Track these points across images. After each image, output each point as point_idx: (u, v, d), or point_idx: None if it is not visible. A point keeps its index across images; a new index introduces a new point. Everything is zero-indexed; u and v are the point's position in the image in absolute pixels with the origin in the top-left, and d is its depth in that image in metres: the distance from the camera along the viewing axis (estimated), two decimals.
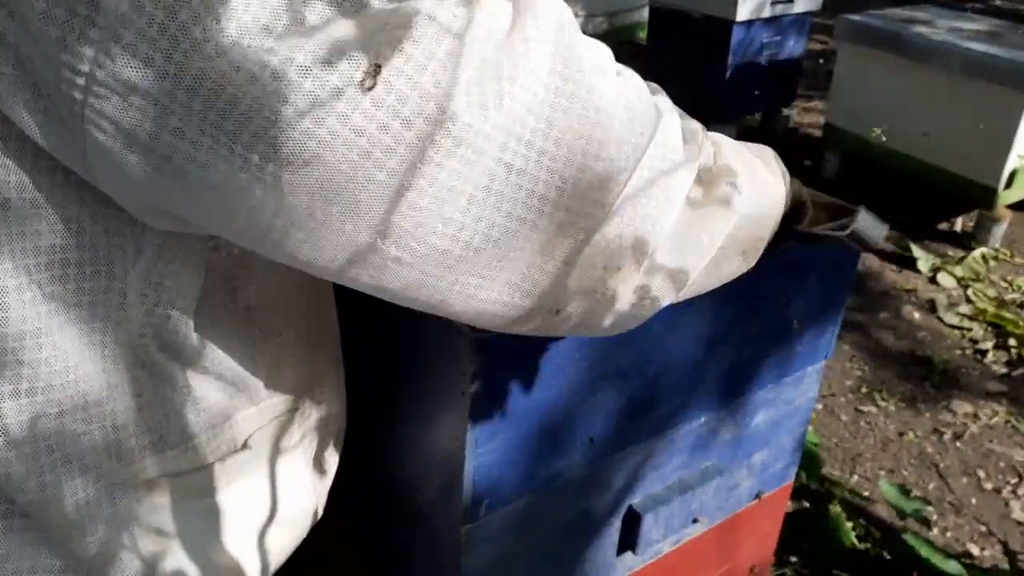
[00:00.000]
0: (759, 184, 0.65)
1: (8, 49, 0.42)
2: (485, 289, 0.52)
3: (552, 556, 0.85)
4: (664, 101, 0.58)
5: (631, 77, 0.55)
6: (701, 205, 0.59)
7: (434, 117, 0.44)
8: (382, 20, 0.43)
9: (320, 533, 0.76)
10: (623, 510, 0.88)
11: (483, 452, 0.70)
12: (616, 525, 0.89)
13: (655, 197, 0.55)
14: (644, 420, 0.82)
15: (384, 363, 0.80)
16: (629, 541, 0.90)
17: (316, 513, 0.74)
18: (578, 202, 0.51)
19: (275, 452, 0.66)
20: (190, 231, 0.51)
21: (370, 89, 0.42)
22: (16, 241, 0.49)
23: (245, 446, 0.63)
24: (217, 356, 0.59)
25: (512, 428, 0.71)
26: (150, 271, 0.52)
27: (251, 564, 0.66)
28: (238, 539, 0.65)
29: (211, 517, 0.62)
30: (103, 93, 0.42)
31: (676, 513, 0.90)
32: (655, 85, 0.60)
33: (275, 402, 0.65)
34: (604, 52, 0.53)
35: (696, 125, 0.61)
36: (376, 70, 0.42)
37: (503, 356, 0.67)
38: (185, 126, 0.42)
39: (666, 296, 0.60)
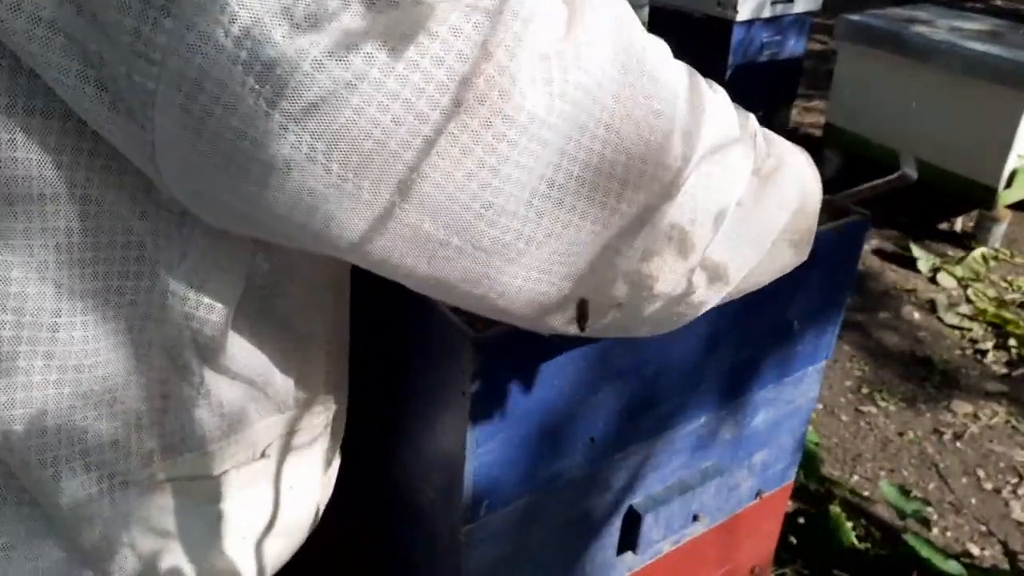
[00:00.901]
0: (804, 175, 0.66)
1: (76, 44, 0.43)
2: (542, 287, 0.52)
3: (552, 556, 0.85)
4: (722, 95, 0.58)
5: (692, 73, 0.56)
6: (755, 199, 0.60)
7: (492, 102, 0.44)
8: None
9: (320, 534, 0.76)
10: (623, 510, 0.88)
11: (483, 452, 0.70)
12: (616, 525, 0.89)
13: (712, 193, 0.55)
14: (644, 420, 0.82)
15: (384, 363, 0.80)
16: (629, 541, 0.90)
17: (317, 517, 0.74)
18: (633, 216, 0.51)
19: (293, 463, 0.66)
20: (246, 231, 0.51)
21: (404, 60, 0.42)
22: (51, 236, 0.49)
23: (264, 455, 0.63)
24: (249, 363, 0.59)
25: (512, 428, 0.71)
26: (193, 274, 0.53)
27: (250, 569, 0.66)
28: (241, 544, 0.65)
29: (218, 522, 0.62)
30: (175, 81, 0.42)
31: (676, 513, 0.90)
32: (711, 80, 0.60)
33: (300, 412, 0.65)
34: (662, 46, 0.54)
35: (752, 121, 0.61)
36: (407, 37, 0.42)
37: (504, 356, 0.67)
38: (254, 113, 0.42)
39: (718, 292, 0.60)
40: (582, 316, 0.55)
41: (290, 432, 0.65)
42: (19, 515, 0.55)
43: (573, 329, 0.58)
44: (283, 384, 0.62)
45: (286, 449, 0.66)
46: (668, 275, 0.56)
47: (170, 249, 0.52)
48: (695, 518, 0.93)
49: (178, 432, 0.57)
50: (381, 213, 0.46)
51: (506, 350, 0.66)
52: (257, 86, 0.41)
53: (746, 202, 0.59)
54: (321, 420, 0.68)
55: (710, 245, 0.57)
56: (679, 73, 0.54)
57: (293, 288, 0.60)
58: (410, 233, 0.47)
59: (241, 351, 0.58)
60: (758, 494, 1.05)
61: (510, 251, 0.49)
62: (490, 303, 0.53)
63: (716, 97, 0.57)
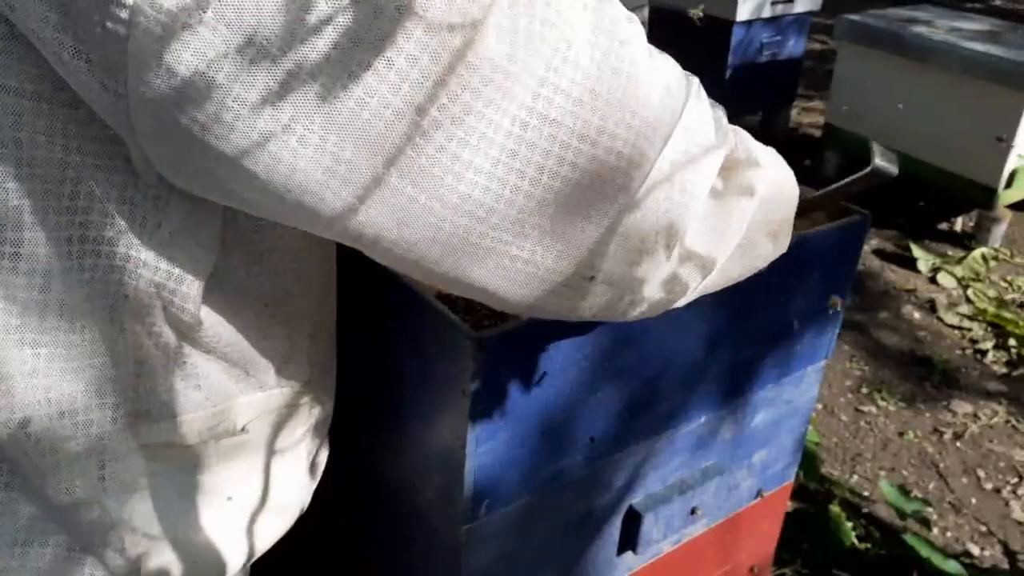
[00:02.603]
0: (776, 167, 0.65)
1: None
2: (513, 251, 0.51)
3: (552, 556, 0.85)
4: (695, 82, 0.58)
5: (661, 54, 0.55)
6: (724, 193, 0.60)
7: (460, 51, 0.44)
8: None
9: (319, 533, 0.76)
10: (623, 510, 0.88)
11: (483, 451, 0.70)
12: (616, 525, 0.89)
13: (685, 181, 0.55)
14: (645, 420, 0.82)
15: (384, 361, 0.80)
16: (629, 541, 0.90)
17: (303, 508, 0.74)
18: (607, 174, 0.51)
19: (276, 442, 0.67)
20: (221, 198, 0.51)
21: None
22: (26, 198, 0.49)
23: (244, 430, 0.63)
24: (227, 338, 0.59)
25: (513, 427, 0.71)
26: (165, 246, 0.53)
27: (235, 548, 0.66)
28: (224, 521, 0.65)
29: (198, 494, 0.63)
30: (147, 26, 0.42)
31: (676, 513, 0.90)
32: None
33: (283, 392, 0.66)
34: (636, 23, 0.53)
35: (720, 110, 0.61)
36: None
37: (504, 355, 0.67)
38: (229, 64, 0.42)
39: (694, 282, 0.60)
40: None
41: (274, 413, 0.66)
42: (23, 506, 0.56)
43: (561, 314, 0.57)
44: (264, 362, 0.63)
45: (270, 430, 0.66)
46: (654, 269, 0.56)
47: (144, 220, 0.52)
48: (693, 511, 0.93)
49: (152, 399, 0.58)
50: (364, 181, 0.46)
51: (506, 349, 0.66)
52: (228, 34, 0.42)
53: (718, 191, 0.59)
54: (305, 401, 0.69)
55: (685, 236, 0.57)
56: (653, 51, 0.54)
57: (277, 267, 0.60)
58: (387, 194, 0.47)
59: (219, 326, 0.58)
60: (758, 494, 1.05)
61: (480, 209, 0.49)
62: (467, 277, 0.52)
63: (690, 79, 0.57)
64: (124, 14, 0.41)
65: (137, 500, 0.60)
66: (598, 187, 0.51)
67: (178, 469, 0.61)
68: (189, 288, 0.55)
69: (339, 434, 0.78)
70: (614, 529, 0.89)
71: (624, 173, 0.51)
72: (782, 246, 0.68)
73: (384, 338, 0.78)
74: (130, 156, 0.50)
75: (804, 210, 0.75)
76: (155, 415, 0.58)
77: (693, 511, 0.92)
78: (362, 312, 0.77)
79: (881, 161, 0.75)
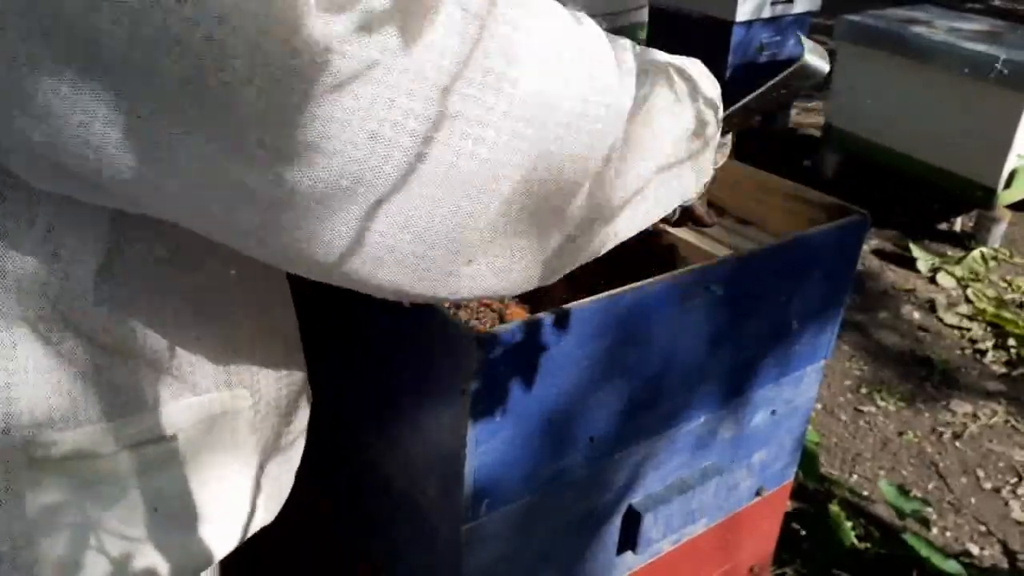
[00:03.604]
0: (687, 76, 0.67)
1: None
2: (476, 266, 0.55)
3: (552, 555, 0.85)
4: (584, 25, 0.57)
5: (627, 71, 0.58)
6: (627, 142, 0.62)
7: (438, 102, 0.46)
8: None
9: (322, 531, 0.76)
10: (623, 509, 0.88)
11: (484, 451, 0.70)
12: (616, 524, 0.89)
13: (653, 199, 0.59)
14: (645, 419, 0.82)
15: (383, 361, 0.80)
16: (629, 540, 0.90)
17: (255, 517, 0.69)
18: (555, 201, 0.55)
19: (213, 449, 0.63)
20: (105, 202, 0.50)
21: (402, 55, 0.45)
22: None
23: (173, 437, 0.60)
24: (145, 340, 0.56)
25: (513, 426, 0.71)
26: (46, 240, 0.51)
27: (162, 561, 0.62)
28: (150, 534, 0.61)
29: (116, 506, 0.59)
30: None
31: (676, 513, 0.90)
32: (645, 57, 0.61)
33: (222, 396, 0.62)
34: (606, 49, 0.56)
35: (626, 50, 0.60)
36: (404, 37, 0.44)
37: (504, 354, 0.67)
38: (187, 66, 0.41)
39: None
40: None
41: (208, 417, 0.62)
42: None
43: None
44: (197, 365, 0.60)
45: (207, 434, 0.62)
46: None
47: (18, 217, 0.50)
48: (694, 514, 0.93)
49: (65, 406, 0.55)
50: (320, 207, 0.46)
51: (506, 348, 0.66)
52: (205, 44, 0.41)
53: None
54: (252, 406, 0.65)
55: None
56: (620, 75, 0.57)
57: (200, 263, 0.58)
58: (391, 243, 0.49)
59: (136, 326, 0.55)
60: (758, 493, 1.05)
61: (460, 235, 0.52)
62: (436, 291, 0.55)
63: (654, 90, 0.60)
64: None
65: (55, 517, 0.56)
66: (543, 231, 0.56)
67: (98, 479, 0.57)
68: (76, 284, 0.52)
69: (340, 433, 0.78)
70: (614, 529, 0.89)
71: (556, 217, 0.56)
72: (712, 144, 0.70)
73: (385, 337, 0.78)
74: None
75: (737, 121, 0.74)
76: (69, 422, 0.55)
77: (695, 513, 0.92)
78: (362, 311, 0.77)
79: (811, 56, 0.69)
